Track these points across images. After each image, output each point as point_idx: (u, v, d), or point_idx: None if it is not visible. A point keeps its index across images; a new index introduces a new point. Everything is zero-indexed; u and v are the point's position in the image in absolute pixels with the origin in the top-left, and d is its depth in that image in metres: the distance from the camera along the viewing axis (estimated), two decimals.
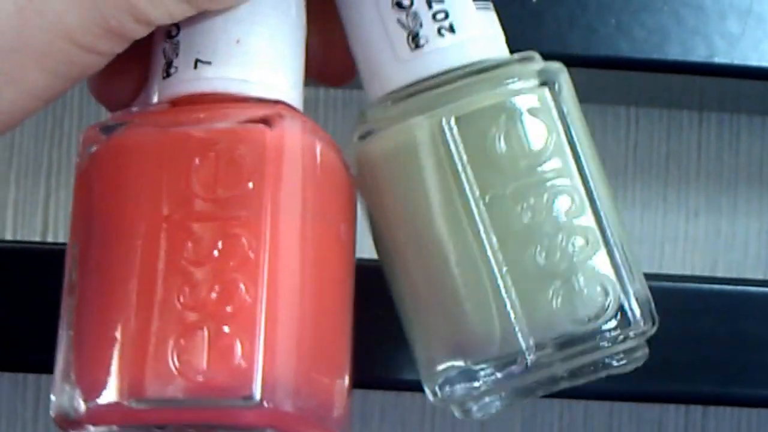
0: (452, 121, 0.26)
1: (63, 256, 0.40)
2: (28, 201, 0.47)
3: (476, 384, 0.26)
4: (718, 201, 0.47)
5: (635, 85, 0.44)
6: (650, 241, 0.47)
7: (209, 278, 0.24)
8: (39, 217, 0.47)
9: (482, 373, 0.26)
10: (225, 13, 0.26)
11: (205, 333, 0.23)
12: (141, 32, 0.25)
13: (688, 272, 0.47)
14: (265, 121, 0.25)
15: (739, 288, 0.41)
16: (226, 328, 0.23)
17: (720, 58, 0.39)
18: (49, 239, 0.46)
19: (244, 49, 0.26)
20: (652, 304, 0.27)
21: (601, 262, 0.25)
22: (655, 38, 0.39)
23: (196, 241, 0.24)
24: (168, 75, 0.26)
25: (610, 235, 0.26)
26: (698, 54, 0.39)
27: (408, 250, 0.26)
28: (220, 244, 0.24)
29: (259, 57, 0.26)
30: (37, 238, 0.46)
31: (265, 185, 0.24)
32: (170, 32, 0.26)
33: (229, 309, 0.24)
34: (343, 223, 0.26)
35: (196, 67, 0.26)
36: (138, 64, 0.28)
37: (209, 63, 0.26)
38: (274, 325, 0.23)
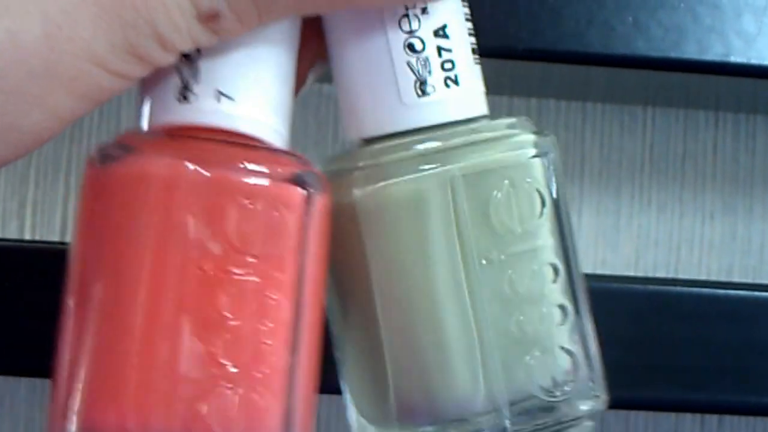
0: (462, 180, 0.26)
1: None
2: (47, 200, 0.47)
3: None
4: (734, 204, 0.47)
5: (652, 84, 0.44)
6: (666, 244, 0.47)
7: (240, 337, 0.24)
8: (58, 217, 0.46)
9: (453, 427, 0.27)
10: (247, 50, 0.26)
11: (234, 395, 0.23)
12: (167, 59, 0.25)
13: (703, 276, 0.47)
14: (299, 182, 0.25)
15: (756, 293, 0.41)
16: (255, 391, 0.24)
17: (736, 57, 0.39)
18: (68, 239, 0.46)
19: (263, 89, 0.26)
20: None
21: (571, 333, 0.27)
22: (672, 36, 0.38)
23: (230, 296, 0.24)
24: (185, 100, 0.26)
25: (580, 309, 0.27)
26: (714, 52, 0.39)
27: (394, 300, 0.27)
28: (253, 304, 0.24)
29: (275, 99, 0.26)
30: (56, 238, 0.46)
31: (297, 247, 0.25)
32: (190, 58, 0.26)
33: (259, 372, 0.24)
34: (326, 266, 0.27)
35: (219, 100, 0.26)
36: None
37: (232, 99, 0.26)
38: (298, 390, 0.24)
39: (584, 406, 0.27)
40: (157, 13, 0.24)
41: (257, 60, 0.26)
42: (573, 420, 0.27)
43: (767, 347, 0.40)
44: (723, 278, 0.47)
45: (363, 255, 0.27)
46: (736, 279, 0.47)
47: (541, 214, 0.27)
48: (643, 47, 0.38)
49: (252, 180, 0.25)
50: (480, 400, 0.26)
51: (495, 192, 0.26)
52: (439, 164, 0.26)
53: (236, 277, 0.24)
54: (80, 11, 0.24)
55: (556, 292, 0.27)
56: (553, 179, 0.27)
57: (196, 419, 0.23)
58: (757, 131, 0.47)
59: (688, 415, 0.47)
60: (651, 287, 0.41)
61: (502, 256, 0.26)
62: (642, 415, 0.46)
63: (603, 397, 0.28)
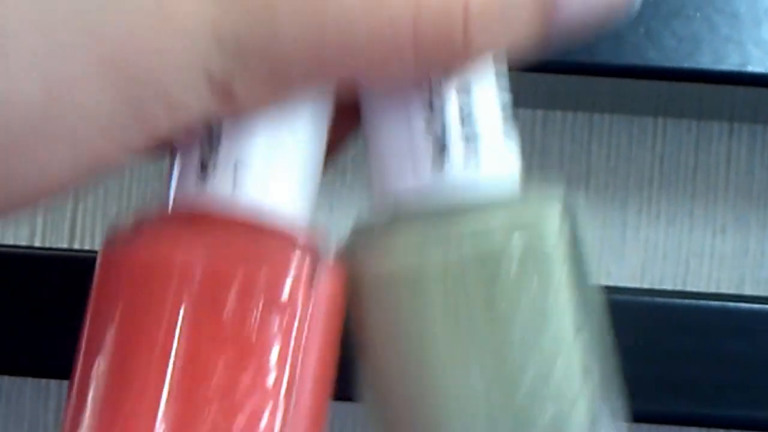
0: (468, 260, 0.25)
1: (90, 263, 0.40)
2: (56, 207, 0.48)
3: None
4: (747, 217, 0.47)
5: (664, 95, 0.44)
6: (675, 257, 0.47)
7: (228, 416, 0.24)
8: (67, 224, 0.47)
9: None
10: (268, 133, 0.26)
11: None
12: (176, 133, 0.24)
13: (713, 290, 0.47)
14: (309, 275, 0.25)
15: (766, 307, 0.41)
16: None
17: (754, 67, 0.38)
18: (76, 246, 0.47)
19: (284, 178, 0.26)
20: None
21: (594, 399, 0.26)
22: (686, 47, 0.38)
23: (227, 377, 0.24)
24: (203, 185, 0.26)
25: (605, 369, 0.27)
26: (731, 62, 0.38)
27: (400, 383, 0.26)
28: (249, 385, 0.24)
29: (295, 188, 0.26)
30: (65, 245, 0.47)
31: (298, 333, 0.25)
32: (210, 138, 0.26)
33: None
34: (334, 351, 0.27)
35: (234, 185, 0.25)
36: None
37: (249, 186, 0.25)
38: None
39: None
40: (167, 89, 0.23)
41: (279, 143, 0.26)
42: None
43: None
44: (734, 292, 0.47)
45: (365, 333, 0.27)
46: (747, 293, 0.47)
47: (559, 285, 0.26)
48: (655, 57, 0.38)
49: (253, 267, 0.25)
50: None
51: (503, 270, 0.25)
52: (443, 243, 0.25)
53: (232, 364, 0.24)
54: (84, 80, 0.23)
55: (569, 389, 0.26)
56: (575, 247, 0.26)
57: None
58: None
59: (694, 429, 0.47)
60: (658, 299, 0.41)
61: (513, 333, 0.26)
62: (645, 428, 0.46)
63: None
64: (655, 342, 0.40)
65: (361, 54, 0.24)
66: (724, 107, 0.45)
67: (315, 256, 0.25)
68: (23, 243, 0.47)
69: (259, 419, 0.24)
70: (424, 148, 0.26)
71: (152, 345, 0.24)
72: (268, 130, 0.26)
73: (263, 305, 0.24)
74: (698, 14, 0.38)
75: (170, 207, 0.26)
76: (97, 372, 0.25)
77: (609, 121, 0.47)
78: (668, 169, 0.47)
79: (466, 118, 0.26)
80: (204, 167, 0.26)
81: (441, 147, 0.26)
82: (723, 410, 0.41)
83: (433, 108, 0.26)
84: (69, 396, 0.26)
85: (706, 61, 0.38)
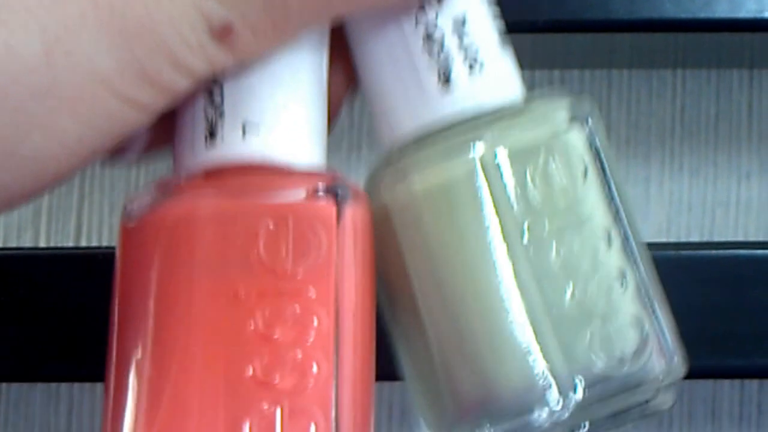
0: (495, 160, 0.25)
1: (96, 260, 0.40)
2: (62, 206, 0.47)
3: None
4: None
5: (681, 47, 0.43)
6: (700, 208, 0.47)
7: (281, 355, 0.24)
8: (73, 222, 0.47)
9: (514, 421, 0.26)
10: (270, 78, 0.25)
11: (278, 413, 0.24)
12: (182, 84, 0.24)
13: (741, 238, 0.47)
14: (329, 195, 0.25)
15: None
16: (299, 407, 0.24)
17: None
18: (83, 243, 0.46)
19: (291, 117, 0.26)
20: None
21: (635, 301, 0.26)
22: None
23: (267, 316, 0.24)
24: (212, 141, 0.26)
25: (642, 273, 0.26)
26: (747, 9, 0.38)
27: (442, 292, 0.26)
28: (291, 320, 0.24)
29: (304, 126, 0.26)
30: (71, 243, 0.47)
31: (332, 260, 0.25)
32: (212, 94, 0.26)
33: (303, 387, 0.24)
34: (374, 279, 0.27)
35: (244, 135, 0.25)
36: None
37: (257, 130, 0.25)
38: (344, 402, 0.24)
39: (660, 377, 0.26)
40: (163, 26, 0.23)
41: (283, 85, 0.26)
42: (650, 395, 0.26)
43: None
44: (762, 239, 0.47)
45: (401, 257, 0.26)
46: None
47: (585, 180, 0.26)
48: (672, 9, 0.38)
49: (280, 201, 0.25)
50: (541, 387, 0.25)
51: (530, 167, 0.26)
52: (465, 151, 0.25)
53: (272, 294, 0.24)
54: (80, 25, 0.23)
55: (611, 259, 0.26)
56: (594, 142, 0.26)
57: None
58: None
59: (726, 381, 0.46)
60: (684, 252, 0.41)
61: (546, 230, 0.25)
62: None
63: (680, 363, 0.26)
64: (685, 296, 0.40)
65: None
66: (743, 55, 0.45)
67: (337, 191, 0.25)
68: (28, 244, 0.47)
69: (310, 367, 0.24)
70: (428, 71, 0.26)
71: (192, 296, 0.24)
72: (270, 83, 0.26)
73: (294, 249, 0.24)
74: None
75: (183, 171, 0.26)
76: (137, 341, 0.25)
77: (627, 76, 0.46)
78: (689, 120, 0.47)
79: (463, 36, 0.26)
80: (212, 133, 0.26)
81: (445, 67, 0.26)
82: (757, 361, 0.41)
83: (429, 31, 0.26)
84: (108, 378, 0.26)
85: (722, 9, 0.38)
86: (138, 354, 0.25)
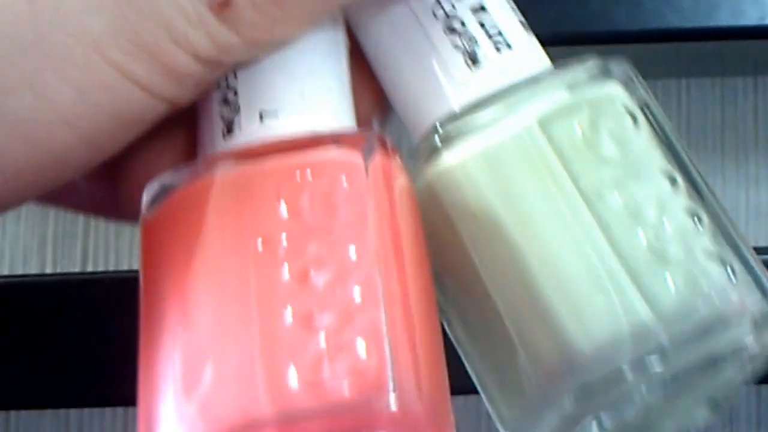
0: (535, 124, 0.25)
1: (104, 285, 0.39)
2: (67, 234, 0.47)
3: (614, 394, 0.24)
4: None
5: (686, 56, 0.44)
6: None
7: (318, 295, 0.23)
8: (78, 248, 0.47)
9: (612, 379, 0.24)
10: (284, 68, 0.25)
11: (324, 351, 0.23)
12: (187, 64, 0.23)
13: (752, 244, 0.46)
14: (356, 145, 0.24)
15: None
16: (345, 342, 0.23)
17: None
18: (89, 269, 0.46)
19: (309, 103, 0.25)
20: None
21: (713, 238, 0.24)
22: (704, 6, 0.38)
23: (300, 262, 0.23)
24: (230, 133, 0.25)
25: (716, 210, 0.25)
26: (749, 17, 0.38)
27: (507, 255, 0.25)
28: (327, 262, 0.23)
29: (325, 109, 0.25)
30: (77, 269, 0.46)
31: (365, 209, 0.23)
32: (226, 96, 0.25)
33: (346, 321, 0.23)
34: (422, 238, 0.25)
35: (262, 120, 0.25)
36: (161, 151, 0.26)
37: (275, 116, 0.25)
38: (396, 331, 0.23)
39: (753, 310, 0.24)
40: (166, 6, 0.22)
41: (297, 73, 0.25)
42: (746, 335, 0.24)
43: None
44: None
45: (454, 231, 0.25)
46: None
47: (636, 128, 0.25)
48: (674, 19, 0.38)
49: (305, 157, 0.24)
50: (626, 339, 0.23)
51: (576, 124, 0.25)
52: (511, 120, 0.25)
53: (312, 246, 0.23)
54: None
55: (680, 199, 0.24)
56: (637, 92, 0.26)
57: (290, 385, 0.22)
58: None
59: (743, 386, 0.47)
60: None
61: (604, 181, 0.24)
62: None
63: None
64: None
65: None
66: (747, 62, 0.45)
67: (363, 140, 0.24)
68: (34, 271, 0.46)
69: (352, 300, 0.23)
70: (453, 56, 0.26)
71: (217, 256, 0.23)
72: (285, 74, 0.25)
73: (323, 202, 0.23)
74: None
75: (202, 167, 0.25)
76: (169, 316, 0.24)
77: None
78: (696, 127, 0.47)
79: (484, 21, 0.26)
80: (230, 128, 0.25)
81: (471, 49, 0.25)
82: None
83: (449, 21, 0.26)
84: (142, 361, 0.25)
85: (724, 18, 0.38)
86: (171, 328, 0.24)
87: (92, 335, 0.39)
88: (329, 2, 0.24)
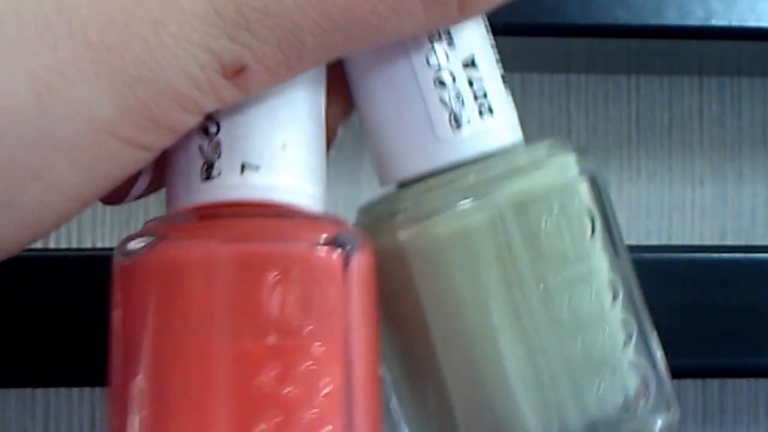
0: (509, 209, 0.25)
1: (69, 263, 0.39)
2: None
3: None
4: (723, 168, 0.47)
5: (634, 53, 0.44)
6: (657, 212, 0.47)
7: (291, 414, 0.23)
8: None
9: None
10: (267, 114, 0.24)
11: None
12: (191, 122, 0.23)
13: (696, 242, 0.47)
14: (335, 245, 0.24)
15: (750, 255, 0.41)
16: None
17: (717, 21, 0.39)
18: (52, 245, 0.46)
19: (290, 156, 0.25)
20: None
21: (637, 350, 0.27)
22: (652, 3, 0.39)
23: (276, 374, 0.23)
24: (209, 178, 0.24)
25: (645, 323, 0.27)
26: (696, 17, 0.39)
27: (454, 340, 0.26)
28: (301, 378, 0.23)
29: (303, 163, 0.25)
30: (38, 245, 0.46)
31: (340, 313, 0.24)
32: (207, 129, 0.24)
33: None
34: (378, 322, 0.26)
35: (242, 172, 0.24)
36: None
37: (257, 169, 0.24)
38: None
39: (659, 420, 0.27)
40: (169, 68, 0.21)
41: (281, 123, 0.25)
42: None
43: (764, 309, 0.40)
44: (716, 242, 0.47)
45: (416, 297, 0.26)
46: (729, 242, 0.48)
47: (593, 233, 0.26)
48: (623, 16, 0.38)
49: (284, 250, 0.23)
50: (549, 429, 0.26)
51: (544, 217, 0.26)
52: (484, 197, 0.25)
53: (279, 351, 0.23)
54: (75, 70, 0.21)
55: (617, 310, 0.26)
56: (601, 195, 0.27)
57: None
58: (743, 94, 0.47)
59: (689, 381, 0.47)
60: (645, 255, 0.41)
61: (559, 281, 0.26)
62: None
63: (675, 409, 0.27)
64: (646, 298, 0.40)
65: (367, 3, 0.23)
66: (692, 62, 0.46)
67: (344, 242, 0.24)
68: None
69: (321, 428, 0.23)
70: (439, 114, 0.26)
71: (193, 350, 0.23)
72: (268, 120, 0.25)
73: (301, 303, 0.23)
74: None
75: (179, 210, 0.25)
76: (138, 386, 0.23)
77: (585, 81, 0.47)
78: (644, 125, 0.47)
79: (473, 79, 0.26)
80: (209, 169, 0.24)
81: (457, 110, 0.26)
82: (713, 360, 0.41)
83: (440, 73, 0.26)
84: (109, 415, 0.24)
85: (671, 16, 0.39)
86: (138, 411, 0.23)
87: (60, 314, 0.38)
88: (335, 53, 0.24)
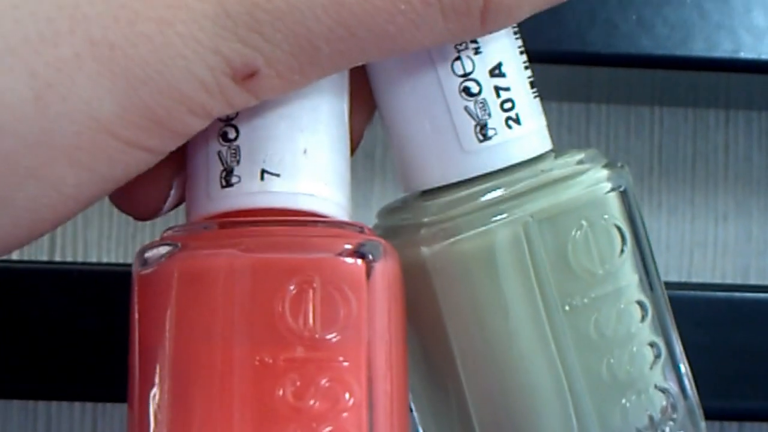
0: (536, 225, 0.25)
1: (72, 276, 0.39)
2: None
3: None
4: (748, 204, 0.47)
5: (659, 84, 0.43)
6: (678, 248, 0.47)
7: (312, 428, 0.22)
8: (46, 238, 0.45)
9: None
10: (288, 119, 0.24)
11: None
12: (198, 125, 0.22)
13: (718, 280, 0.47)
14: (358, 254, 0.23)
15: None
16: None
17: (746, 53, 0.38)
18: (57, 258, 0.45)
19: (311, 161, 0.24)
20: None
21: (667, 373, 0.26)
22: (679, 34, 0.38)
23: (297, 386, 0.23)
24: (229, 185, 0.24)
25: (673, 344, 0.27)
26: (723, 49, 0.38)
27: (476, 357, 0.26)
28: (322, 391, 0.23)
29: (325, 169, 0.24)
30: (45, 258, 0.46)
31: (363, 324, 0.23)
32: (226, 134, 0.24)
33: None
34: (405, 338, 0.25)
35: (263, 178, 0.24)
36: (168, 167, 0.25)
37: (278, 175, 0.24)
38: None
39: None
40: (175, 69, 0.21)
41: (302, 127, 0.24)
42: None
43: None
44: (739, 281, 0.47)
45: (438, 314, 0.26)
46: (752, 281, 0.47)
47: (623, 251, 0.26)
48: (648, 45, 0.38)
49: (306, 260, 0.23)
50: None
51: (572, 234, 0.25)
52: (509, 212, 0.25)
53: (301, 364, 0.23)
54: (75, 67, 0.21)
55: (645, 331, 0.26)
56: (632, 211, 0.26)
57: None
58: None
59: (707, 423, 0.46)
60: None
61: (586, 300, 0.25)
62: None
63: (702, 428, 0.28)
64: None
65: (385, 12, 0.22)
66: (719, 94, 0.45)
67: (367, 250, 0.24)
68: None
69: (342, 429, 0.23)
70: (465, 124, 0.25)
71: (213, 361, 0.23)
72: (289, 125, 0.24)
73: (323, 313, 0.23)
74: (688, 1, 0.38)
75: (198, 218, 0.24)
76: (156, 396, 0.23)
77: (606, 111, 0.46)
78: (667, 158, 0.47)
79: (500, 89, 0.25)
80: (228, 176, 0.24)
81: (482, 121, 0.25)
82: (731, 402, 0.41)
83: (466, 83, 0.25)
84: (129, 426, 0.24)
85: (698, 48, 0.38)
86: (157, 421, 0.23)
87: (61, 327, 0.38)
88: (350, 60, 0.23)
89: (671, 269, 0.47)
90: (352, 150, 0.26)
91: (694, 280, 0.47)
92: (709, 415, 0.42)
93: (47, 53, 0.21)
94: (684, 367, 0.27)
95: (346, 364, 0.23)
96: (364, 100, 0.26)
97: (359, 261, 0.23)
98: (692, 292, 0.41)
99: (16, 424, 0.45)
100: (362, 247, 0.23)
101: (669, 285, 0.44)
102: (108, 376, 0.37)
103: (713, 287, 0.44)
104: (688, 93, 0.45)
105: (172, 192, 0.26)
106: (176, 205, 0.27)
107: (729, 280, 0.47)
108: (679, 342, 0.27)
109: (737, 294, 0.40)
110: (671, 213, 0.47)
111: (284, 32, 0.22)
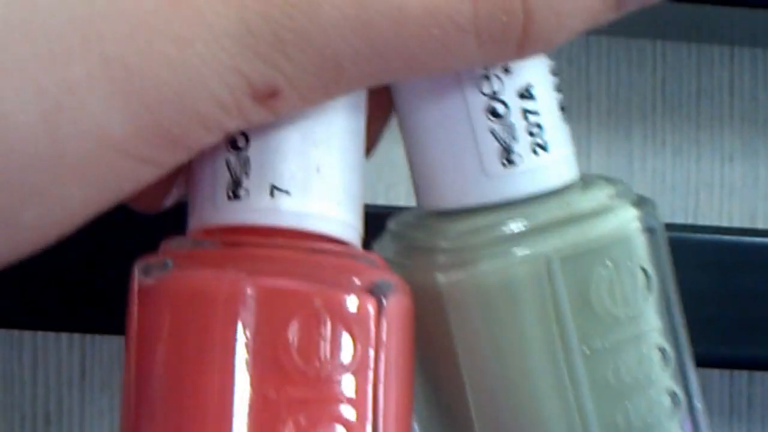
0: (558, 263, 0.24)
1: None
2: None
3: None
4: (755, 144, 0.46)
5: (661, 17, 0.42)
6: (683, 188, 0.46)
7: None
8: None
9: None
10: (301, 132, 0.23)
11: None
12: (212, 140, 0.22)
13: (725, 223, 0.46)
14: (372, 291, 0.23)
15: None
16: None
17: None
18: None
19: (324, 179, 0.23)
20: None
21: (685, 425, 0.26)
22: None
23: (302, 424, 0.22)
24: (236, 197, 0.23)
25: (693, 394, 0.26)
26: None
27: (488, 393, 0.25)
28: (326, 428, 0.22)
29: (338, 188, 0.23)
30: None
31: (371, 363, 0.23)
32: (235, 142, 0.23)
33: None
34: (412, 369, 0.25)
35: (272, 195, 0.23)
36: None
37: (288, 193, 0.23)
38: None
39: None
40: (193, 89, 0.20)
41: (317, 142, 0.23)
42: None
43: None
44: (746, 224, 0.46)
45: (450, 343, 0.25)
46: (760, 225, 0.46)
47: (647, 295, 0.25)
48: None
49: (315, 291, 0.22)
50: None
51: (596, 274, 0.24)
52: (532, 247, 0.24)
53: (303, 403, 0.22)
54: (87, 88, 0.20)
55: (665, 379, 0.25)
56: (659, 253, 0.26)
57: None
58: None
59: (715, 372, 0.46)
60: (669, 234, 0.39)
61: (606, 344, 0.25)
62: None
63: None
64: None
65: (416, 37, 0.21)
66: (724, 30, 0.44)
67: (379, 287, 0.23)
68: None
69: None
70: (489, 148, 0.24)
71: (211, 383, 0.22)
72: (302, 141, 0.23)
73: (330, 350, 0.22)
74: None
75: (203, 230, 0.24)
76: (152, 411, 0.23)
77: (606, 44, 0.45)
78: (671, 94, 0.46)
79: (528, 113, 0.25)
80: (236, 189, 0.23)
81: (508, 146, 0.24)
82: (741, 351, 0.39)
83: (493, 105, 0.24)
84: None
85: None
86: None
87: (50, 259, 0.37)
88: (374, 80, 0.23)
89: (677, 210, 0.46)
90: (368, 153, 0.26)
91: (701, 222, 0.46)
92: (717, 364, 0.41)
93: (58, 72, 0.20)
94: (703, 419, 0.26)
95: (350, 406, 0.22)
96: (382, 101, 0.26)
97: (371, 300, 0.23)
98: (699, 235, 0.40)
99: (2, 354, 0.45)
100: (374, 286, 0.23)
101: (675, 227, 0.44)
102: (97, 308, 0.37)
103: (721, 230, 0.43)
104: (691, 27, 0.44)
105: (175, 189, 0.26)
106: (178, 201, 0.26)
107: (736, 224, 0.46)
108: (700, 393, 0.26)
109: (745, 238, 0.39)
110: (676, 153, 0.46)
111: (309, 53, 0.21)
